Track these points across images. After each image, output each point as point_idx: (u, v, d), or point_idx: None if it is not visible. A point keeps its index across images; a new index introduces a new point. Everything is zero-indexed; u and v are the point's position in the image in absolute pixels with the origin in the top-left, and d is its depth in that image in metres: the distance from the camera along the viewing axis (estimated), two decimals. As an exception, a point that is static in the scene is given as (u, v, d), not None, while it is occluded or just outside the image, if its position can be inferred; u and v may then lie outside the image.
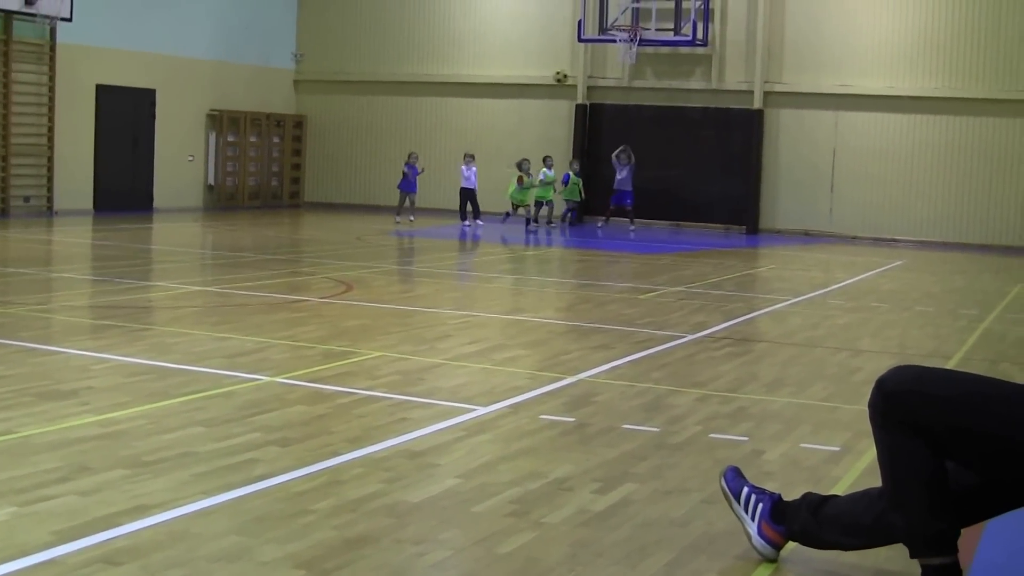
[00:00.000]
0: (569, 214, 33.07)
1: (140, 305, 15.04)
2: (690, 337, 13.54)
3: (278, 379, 10.23)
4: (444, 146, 36.36)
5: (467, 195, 31.43)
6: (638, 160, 32.51)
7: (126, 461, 7.41)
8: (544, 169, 32.49)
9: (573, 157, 34.09)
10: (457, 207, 31.42)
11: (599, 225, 32.60)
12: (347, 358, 11.38)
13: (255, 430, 8.33)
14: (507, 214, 32.24)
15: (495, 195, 33.08)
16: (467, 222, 30.88)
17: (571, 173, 32.89)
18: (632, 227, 31.89)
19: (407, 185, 31.82)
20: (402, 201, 31.73)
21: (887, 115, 32.49)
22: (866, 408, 5.54)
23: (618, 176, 32.11)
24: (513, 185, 31.81)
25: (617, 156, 31.95)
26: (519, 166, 32.00)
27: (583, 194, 33.10)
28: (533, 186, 31.88)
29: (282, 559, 5.80)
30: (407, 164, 32.02)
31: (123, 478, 7.05)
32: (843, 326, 15.29)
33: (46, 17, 28.81)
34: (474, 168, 31.73)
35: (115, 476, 7.08)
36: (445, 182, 34.76)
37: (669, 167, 33.57)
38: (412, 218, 31.30)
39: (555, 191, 32.55)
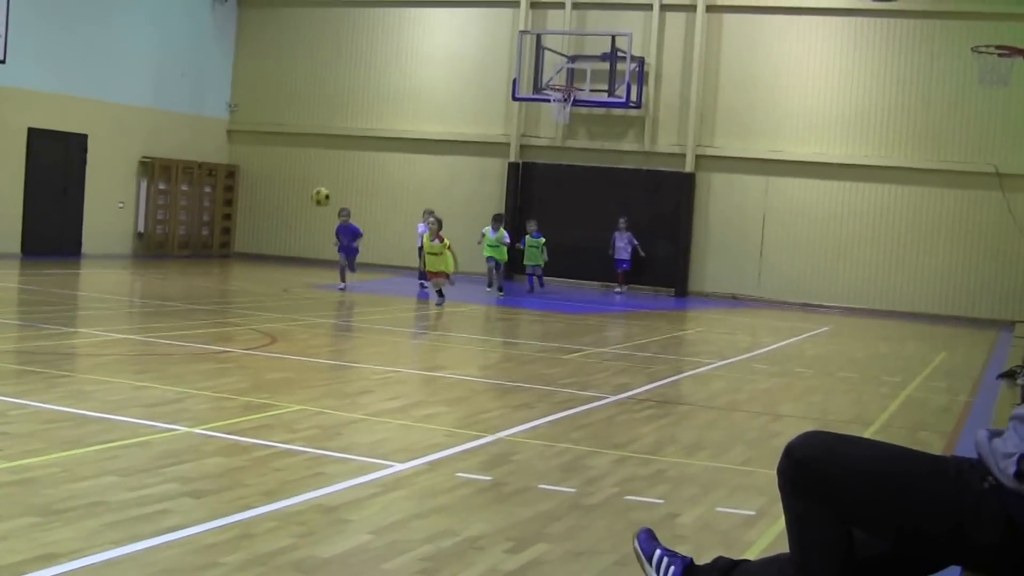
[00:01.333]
0: (536, 280, 31.62)
1: (62, 351, 14.93)
2: (612, 398, 13.58)
3: (196, 430, 10.17)
4: (378, 200, 36.42)
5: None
6: (569, 220, 32.76)
7: (36, 509, 7.34)
8: (487, 228, 30.34)
9: (529, 218, 32.70)
10: (394, 262, 31.25)
11: (617, 291, 32.90)
12: (267, 410, 11.34)
13: (169, 480, 8.28)
14: (421, 274, 28.81)
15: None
16: (426, 282, 27.75)
17: (528, 236, 31.65)
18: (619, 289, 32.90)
19: (343, 248, 27.60)
20: (343, 268, 27.55)
21: (817, 181, 32.82)
22: (782, 473, 5.58)
23: (617, 244, 32.68)
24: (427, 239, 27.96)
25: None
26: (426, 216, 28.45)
27: (546, 257, 31.61)
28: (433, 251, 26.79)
29: (187, 612, 5.77)
30: (339, 224, 27.96)
31: (32, 526, 6.99)
32: (765, 390, 15.38)
33: (-21, 59, 28.67)
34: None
35: (24, 524, 7.02)
36: (376, 236, 34.77)
37: (600, 227, 33.66)
38: (342, 286, 27.19)
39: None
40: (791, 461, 5.27)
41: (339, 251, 27.68)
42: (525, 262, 31.62)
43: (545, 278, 31.90)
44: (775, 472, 5.12)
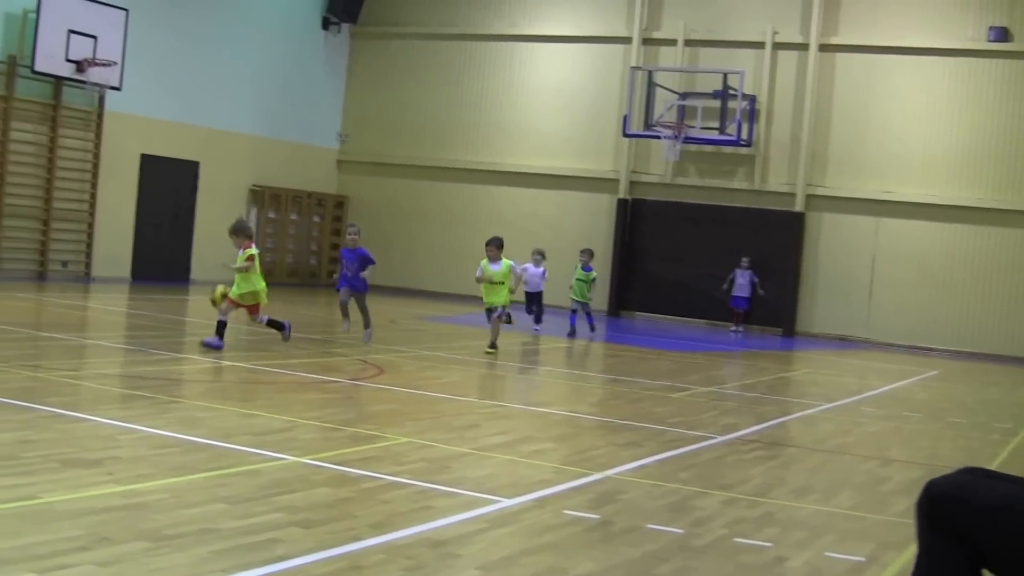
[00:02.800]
0: (587, 320, 27.69)
1: (171, 377, 15.06)
2: (720, 439, 13.47)
3: (304, 460, 10.20)
4: (485, 233, 36.35)
5: (532, 299, 27.53)
6: (678, 257, 32.71)
7: (147, 534, 7.38)
8: (578, 264, 28.24)
9: (584, 248, 29.26)
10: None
11: (733, 330, 32.88)
12: (374, 442, 11.35)
13: (278, 510, 8.30)
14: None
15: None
16: (536, 326, 26.93)
17: (578, 267, 28.23)
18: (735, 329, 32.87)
19: (346, 279, 21.43)
20: (344, 304, 21.54)
21: (927, 223, 32.50)
22: (892, 519, 5.49)
23: (738, 281, 32.73)
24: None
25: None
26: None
27: (591, 296, 27.96)
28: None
29: (296, 643, 5.76)
30: (344, 247, 21.94)
31: (143, 551, 7.02)
32: (874, 434, 15.19)
33: (96, 85, 29.13)
34: (542, 269, 27.57)
35: (135, 548, 7.06)
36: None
37: (707, 266, 33.53)
38: (367, 339, 21.02)
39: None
40: (928, 497, 5.18)
41: (340, 282, 21.68)
42: (571, 296, 28.01)
43: (652, 316, 31.69)
44: (883, 518, 5.02)
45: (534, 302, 27.51)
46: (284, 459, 10.16)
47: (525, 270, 25.71)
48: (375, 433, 11.85)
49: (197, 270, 33.34)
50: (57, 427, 10.81)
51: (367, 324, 20.92)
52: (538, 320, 27.24)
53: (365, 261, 21.23)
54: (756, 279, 32.63)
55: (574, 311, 27.72)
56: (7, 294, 15.22)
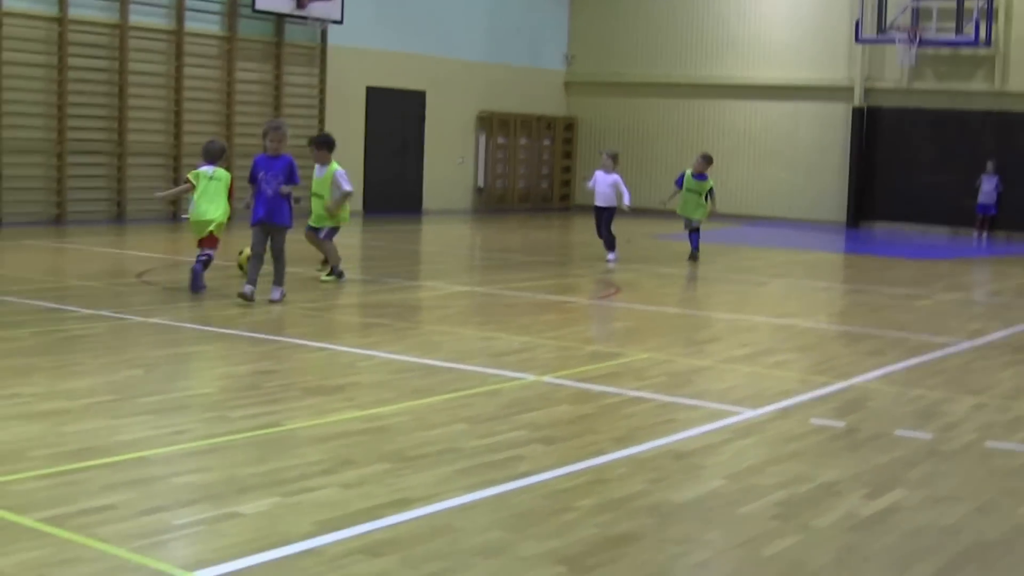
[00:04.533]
0: (691, 242, 21.92)
1: (408, 304, 15.26)
2: (967, 344, 13.16)
3: (544, 378, 10.25)
4: (718, 149, 36.02)
5: (600, 216, 21.40)
6: (917, 165, 31.99)
7: (389, 456, 7.51)
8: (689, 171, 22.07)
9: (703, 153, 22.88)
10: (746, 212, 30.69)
11: (977, 236, 32.04)
12: (614, 359, 11.36)
13: (520, 428, 8.37)
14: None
15: (765, 197, 32.84)
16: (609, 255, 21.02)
17: (688, 172, 22.14)
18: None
19: (263, 207, 14.27)
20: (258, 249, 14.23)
21: None
22: None
23: (984, 187, 31.99)
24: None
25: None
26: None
27: (712, 207, 22.36)
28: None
29: (543, 555, 5.80)
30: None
31: (386, 472, 7.16)
32: None
33: (317, 20, 29.42)
34: (615, 176, 21.42)
35: (378, 470, 7.19)
36: (716, 186, 34.62)
37: (948, 172, 32.67)
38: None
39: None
40: None
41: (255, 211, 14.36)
42: (679, 212, 22.10)
43: (892, 225, 30.99)
44: None
45: (603, 222, 21.37)
46: (524, 378, 10.23)
47: (595, 180, 21.50)
48: (615, 350, 11.86)
49: (429, 200, 33.58)
50: (297, 357, 11.06)
51: (277, 278, 14.33)
52: (609, 247, 21.20)
53: (290, 175, 14.28)
54: (1001, 186, 31.72)
55: (694, 230, 21.80)
56: (242, 232, 15.50)
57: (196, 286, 14.73)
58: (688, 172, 21.89)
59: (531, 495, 6.84)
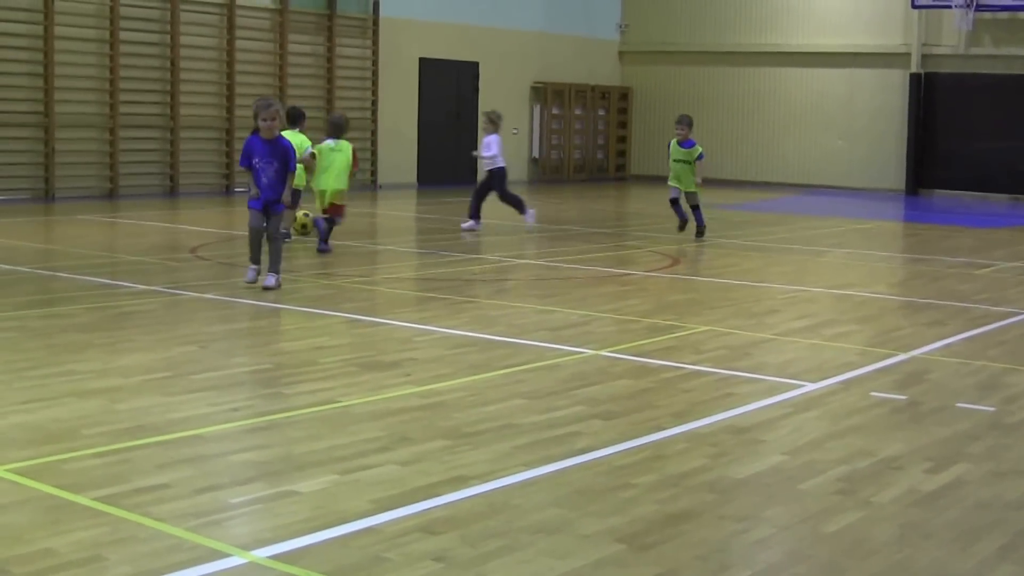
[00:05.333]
0: (695, 217, 20.25)
1: (464, 278, 15.21)
2: (1029, 313, 13.03)
3: (602, 352, 10.20)
4: (773, 118, 35.85)
5: (490, 178, 21.04)
6: (976, 131, 31.66)
7: (446, 432, 7.48)
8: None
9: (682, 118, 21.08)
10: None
11: None
12: (673, 332, 11.29)
13: (578, 403, 8.32)
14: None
15: (822, 166, 32.67)
16: (466, 223, 20.69)
17: (673, 142, 20.62)
18: None
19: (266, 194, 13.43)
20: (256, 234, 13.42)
21: None
22: None
23: None
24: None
25: None
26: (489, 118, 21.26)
27: (698, 180, 20.42)
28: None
29: (603, 532, 5.75)
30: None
31: (443, 449, 7.12)
32: None
33: (372, -9, 29.53)
34: (495, 137, 21.03)
35: (435, 447, 7.16)
36: (771, 154, 34.43)
37: (1008, 138, 32.31)
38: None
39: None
40: None
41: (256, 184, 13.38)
42: (671, 183, 20.46)
43: (951, 193, 30.73)
44: None
45: (496, 185, 21.06)
46: (582, 352, 10.18)
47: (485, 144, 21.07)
48: (673, 323, 11.78)
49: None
50: (353, 332, 11.05)
51: (273, 263, 13.29)
52: (519, 207, 21.08)
53: (285, 162, 13.36)
54: None
55: (674, 200, 20.36)
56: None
57: (321, 248, 16.44)
58: (673, 142, 20.42)
59: (590, 472, 6.79)
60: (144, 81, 26.05)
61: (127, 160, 25.85)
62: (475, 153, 21.87)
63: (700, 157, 20.34)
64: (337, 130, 17.20)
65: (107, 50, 25.29)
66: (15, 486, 6.23)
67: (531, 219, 20.77)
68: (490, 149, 20.76)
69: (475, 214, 20.54)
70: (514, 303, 13.00)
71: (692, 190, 20.15)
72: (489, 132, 20.97)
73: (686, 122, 20.65)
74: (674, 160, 20.34)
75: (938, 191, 33.07)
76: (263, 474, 6.58)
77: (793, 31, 35.70)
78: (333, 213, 16.83)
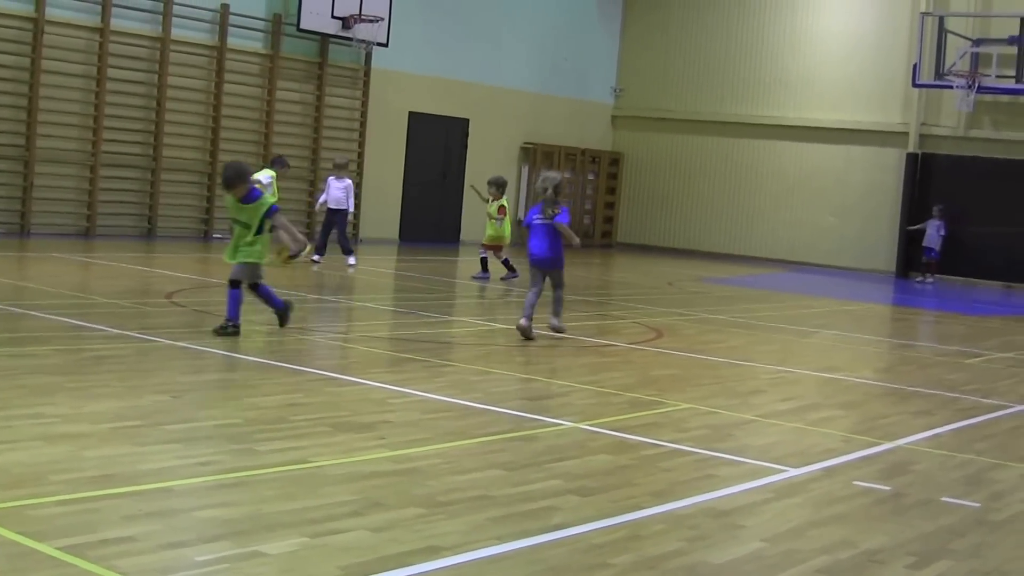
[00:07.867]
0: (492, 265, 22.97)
1: (442, 340, 15.07)
2: (1018, 408, 12.87)
3: (581, 425, 10.03)
4: (763, 191, 35.84)
5: (332, 217, 23.25)
6: (971, 215, 31.63)
7: (420, 500, 7.31)
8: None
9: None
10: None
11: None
12: (655, 408, 11.13)
13: (555, 477, 8.15)
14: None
15: (812, 242, 32.57)
16: (316, 256, 22.63)
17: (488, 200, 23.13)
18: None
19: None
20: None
21: None
22: None
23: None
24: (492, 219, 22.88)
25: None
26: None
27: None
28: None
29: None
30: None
31: (416, 517, 6.94)
32: None
33: (362, 42, 29.41)
34: (347, 181, 23.50)
35: (408, 514, 6.98)
36: (761, 228, 34.34)
37: (1004, 224, 32.19)
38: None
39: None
40: None
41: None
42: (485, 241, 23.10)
43: (943, 276, 30.75)
44: None
45: (338, 225, 23.14)
46: (561, 424, 10.00)
47: (328, 186, 23.28)
48: (655, 399, 11.62)
49: (468, 231, 32.95)
50: (327, 390, 10.88)
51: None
52: (347, 251, 23.04)
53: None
54: None
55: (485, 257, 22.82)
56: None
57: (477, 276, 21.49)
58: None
59: (565, 548, 6.62)
60: (128, 120, 26.02)
61: (106, 199, 25.76)
62: (320, 199, 23.48)
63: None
64: (500, 188, 21.81)
65: (93, 87, 25.25)
66: (-26, 531, 6.05)
67: (353, 266, 22.41)
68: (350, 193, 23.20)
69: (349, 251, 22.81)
70: (493, 369, 12.82)
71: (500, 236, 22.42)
72: (340, 176, 23.15)
73: (496, 183, 23.00)
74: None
75: (929, 275, 32.96)
76: (230, 532, 6.40)
77: (790, 104, 35.74)
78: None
